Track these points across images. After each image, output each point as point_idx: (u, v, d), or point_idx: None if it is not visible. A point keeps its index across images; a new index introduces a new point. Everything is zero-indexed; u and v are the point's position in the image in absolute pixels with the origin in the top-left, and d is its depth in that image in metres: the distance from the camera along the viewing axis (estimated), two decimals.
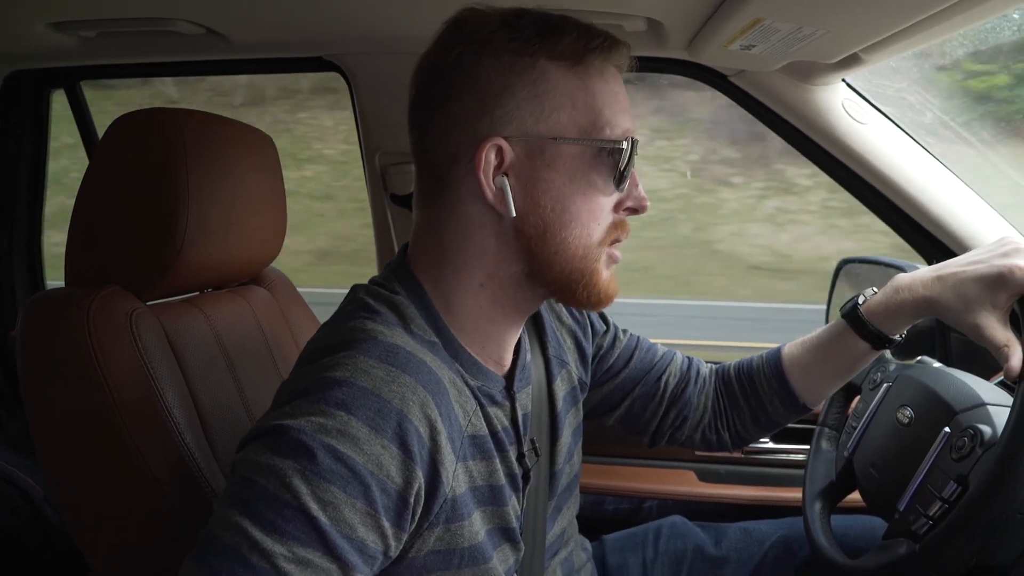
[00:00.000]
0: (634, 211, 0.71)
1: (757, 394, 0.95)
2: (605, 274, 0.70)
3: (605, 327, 0.95)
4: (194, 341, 0.90)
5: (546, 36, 0.65)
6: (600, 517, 1.43)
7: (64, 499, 0.78)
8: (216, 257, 0.94)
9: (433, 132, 0.68)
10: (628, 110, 0.69)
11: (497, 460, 0.69)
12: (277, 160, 1.08)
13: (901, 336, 0.87)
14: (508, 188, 0.65)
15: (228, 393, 0.92)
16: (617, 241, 0.71)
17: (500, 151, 0.65)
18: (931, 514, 0.74)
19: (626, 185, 0.69)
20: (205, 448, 0.81)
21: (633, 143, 0.67)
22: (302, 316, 1.16)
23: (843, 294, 1.35)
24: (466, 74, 0.66)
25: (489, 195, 0.66)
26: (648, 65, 1.38)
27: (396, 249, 1.51)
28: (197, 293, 1.02)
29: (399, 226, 1.51)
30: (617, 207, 0.70)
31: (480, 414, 0.69)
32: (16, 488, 1.25)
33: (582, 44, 0.66)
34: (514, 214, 0.66)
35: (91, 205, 0.86)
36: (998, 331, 0.75)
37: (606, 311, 0.96)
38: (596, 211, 0.68)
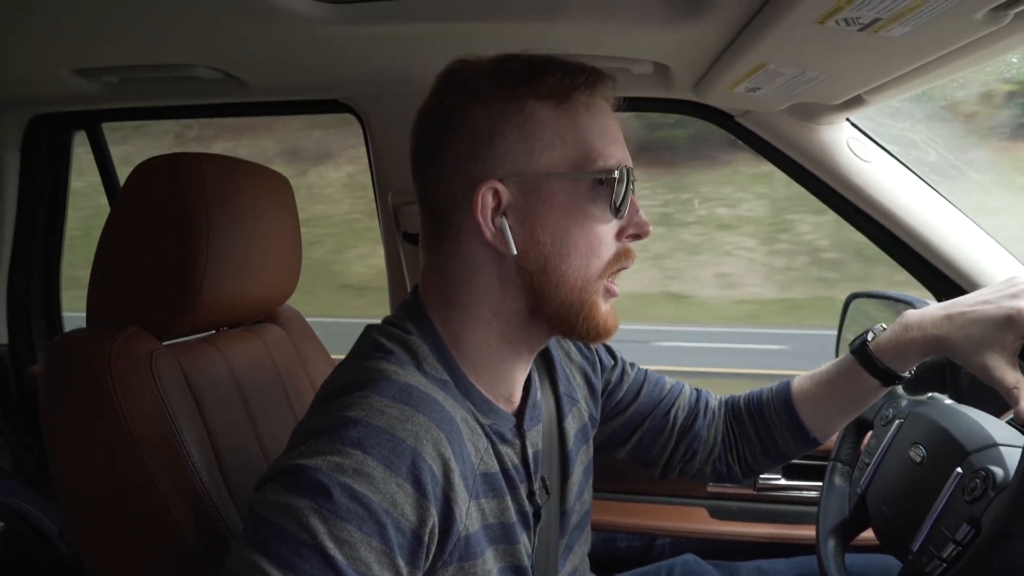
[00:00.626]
0: (637, 237, 0.72)
1: (767, 427, 0.96)
2: (604, 307, 0.71)
3: (613, 362, 0.96)
4: (211, 380, 0.91)
5: (532, 78, 0.67)
6: (612, 554, 1.42)
7: (82, 537, 0.78)
8: (233, 297, 0.96)
9: (432, 179, 0.71)
10: (620, 140, 0.71)
11: (508, 498, 0.70)
12: (293, 200, 1.11)
13: (910, 373, 0.87)
14: (507, 228, 0.67)
15: (243, 432, 0.93)
16: (621, 270, 0.72)
17: (496, 193, 0.67)
18: (945, 556, 0.73)
19: (625, 212, 0.70)
20: (221, 487, 0.82)
21: (627, 172, 0.69)
22: (316, 353, 1.17)
23: (852, 328, 1.35)
24: (458, 122, 0.68)
25: (489, 236, 0.67)
26: (654, 105, 1.41)
27: (408, 285, 1.54)
28: (213, 332, 1.04)
29: (411, 263, 1.53)
30: (619, 235, 0.71)
31: (492, 452, 0.69)
32: (31, 526, 1.26)
33: (567, 82, 0.68)
34: (515, 252, 0.67)
35: (113, 247, 0.88)
36: (1007, 373, 0.75)
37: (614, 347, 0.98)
38: (595, 243, 0.69)
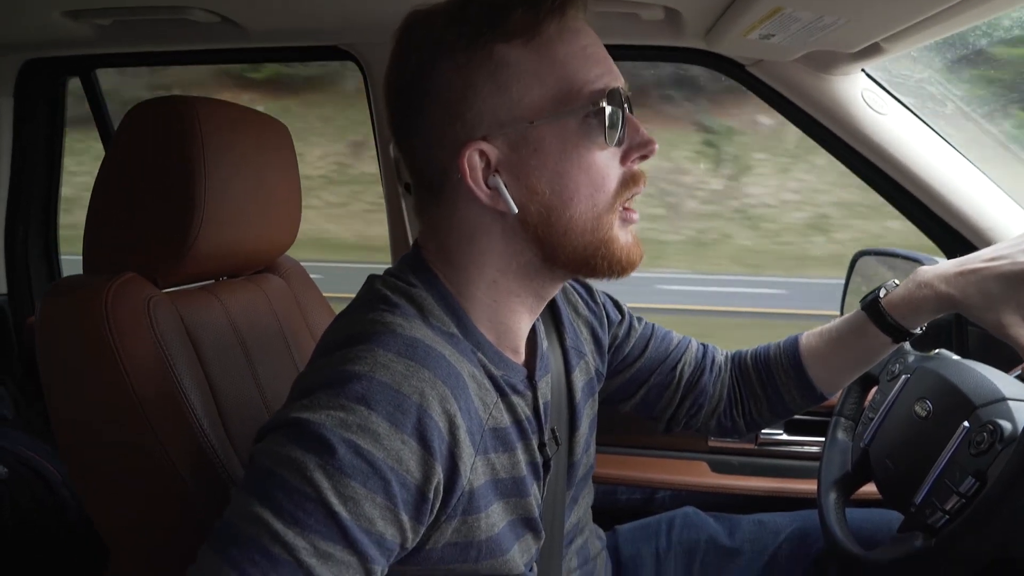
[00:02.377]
0: (644, 157, 0.68)
1: (774, 383, 0.95)
2: (623, 238, 0.67)
3: (620, 316, 0.95)
4: (210, 328, 0.90)
5: (494, 19, 0.62)
6: (613, 506, 1.44)
7: (83, 484, 0.79)
8: (232, 245, 0.94)
9: (415, 148, 0.67)
10: (602, 60, 0.66)
11: (520, 450, 0.69)
12: (292, 149, 1.08)
13: (921, 329, 0.87)
14: (502, 186, 0.64)
15: (244, 380, 0.92)
16: (633, 195, 0.68)
17: (483, 153, 0.63)
18: (948, 508, 0.73)
19: (624, 136, 0.65)
20: (222, 434, 0.82)
21: (615, 93, 0.64)
22: (316, 305, 1.16)
23: (858, 285, 1.34)
24: (427, 84, 0.64)
25: (485, 199, 0.64)
26: (664, 54, 1.37)
27: (410, 237, 1.52)
28: (212, 281, 1.03)
29: (413, 215, 1.51)
30: (624, 159, 0.67)
31: (501, 405, 0.68)
32: (35, 473, 1.27)
33: (532, 15, 0.62)
34: (515, 210, 0.64)
35: (108, 192, 0.86)
36: (1022, 329, 0.75)
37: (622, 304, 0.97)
38: (598, 178, 0.65)
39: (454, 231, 0.68)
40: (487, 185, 0.64)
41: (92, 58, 1.60)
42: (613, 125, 0.64)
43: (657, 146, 0.67)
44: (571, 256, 0.67)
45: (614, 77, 0.65)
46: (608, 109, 0.63)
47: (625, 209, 0.68)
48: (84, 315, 0.78)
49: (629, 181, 0.67)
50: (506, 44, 0.62)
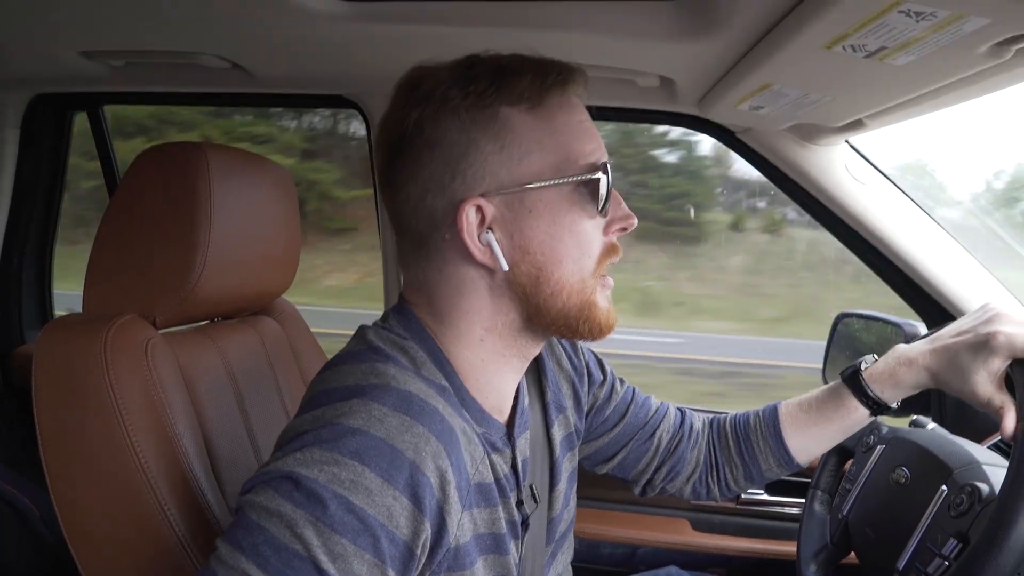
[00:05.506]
0: (623, 230, 0.71)
1: (752, 451, 0.96)
2: (603, 303, 0.70)
3: (602, 377, 0.95)
4: (205, 370, 0.91)
5: (502, 83, 0.64)
6: (595, 561, 1.43)
7: (69, 521, 0.78)
8: (231, 288, 0.96)
9: (407, 199, 0.67)
10: (595, 135, 0.69)
11: (500, 507, 0.69)
12: (294, 193, 1.11)
13: (897, 404, 0.90)
14: (495, 243, 0.65)
15: (235, 424, 0.93)
16: (610, 264, 0.71)
17: (479, 209, 0.65)
18: (931, 572, 0.74)
19: (609, 208, 0.68)
20: (211, 478, 0.82)
21: (606, 167, 0.67)
22: (309, 348, 1.17)
23: (840, 348, 1.37)
24: (429, 136, 0.65)
25: (477, 255, 0.65)
26: (659, 118, 1.42)
27: None
28: (208, 322, 1.04)
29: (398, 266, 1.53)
30: (605, 230, 0.70)
31: (487, 461, 0.69)
32: (12, 508, 1.25)
33: (538, 83, 0.65)
34: (506, 267, 0.66)
35: (113, 233, 0.88)
36: (994, 395, 0.79)
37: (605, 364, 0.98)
38: (585, 243, 0.68)
39: (443, 286, 0.69)
40: (479, 242, 0.65)
41: (101, 95, 1.63)
42: (603, 196, 0.67)
43: (636, 221, 0.71)
44: (555, 317, 0.68)
45: (604, 152, 0.69)
46: (602, 181, 0.66)
47: (603, 276, 0.71)
48: (83, 354, 0.78)
49: (609, 251, 0.70)
50: (511, 108, 0.65)
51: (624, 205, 0.71)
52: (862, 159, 1.33)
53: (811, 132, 1.28)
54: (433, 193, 0.66)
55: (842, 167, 1.32)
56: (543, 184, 0.65)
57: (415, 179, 0.66)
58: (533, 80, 0.65)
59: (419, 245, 0.69)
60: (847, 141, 1.32)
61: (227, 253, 0.90)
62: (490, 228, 0.65)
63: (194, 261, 0.86)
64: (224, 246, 0.89)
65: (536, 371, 0.86)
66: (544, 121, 0.66)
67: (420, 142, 0.66)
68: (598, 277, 0.69)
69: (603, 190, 0.66)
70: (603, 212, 0.68)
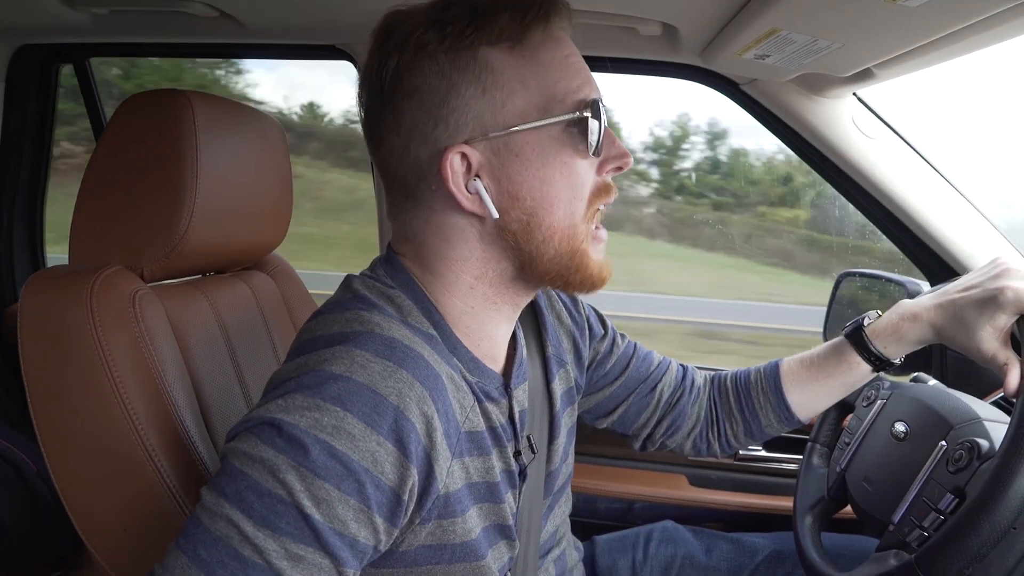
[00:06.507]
0: (619, 168, 0.68)
1: (752, 407, 0.96)
2: (595, 255, 0.68)
3: (603, 331, 0.95)
4: (196, 323, 0.90)
5: (480, 22, 0.62)
6: (592, 516, 1.44)
7: (61, 475, 0.77)
8: (221, 240, 0.94)
9: (391, 149, 0.66)
10: (584, 70, 0.66)
11: (494, 456, 0.69)
12: (286, 146, 1.08)
13: (900, 360, 0.89)
14: (483, 190, 0.63)
15: (227, 377, 0.92)
16: (604, 206, 0.69)
17: (464, 156, 0.63)
18: (926, 526, 0.74)
19: (602, 147, 0.65)
20: (203, 430, 0.81)
21: (596, 104, 0.64)
22: (302, 303, 1.16)
23: (842, 306, 1.35)
24: (408, 84, 0.63)
25: (465, 203, 0.64)
26: (660, 70, 1.38)
27: None
28: (199, 276, 1.02)
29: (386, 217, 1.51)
30: (599, 170, 0.67)
31: (478, 409, 0.68)
32: (9, 463, 1.25)
33: (519, 19, 0.62)
34: (496, 215, 0.64)
35: (97, 184, 0.86)
36: (999, 351, 0.78)
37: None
38: (576, 186, 0.65)
39: (431, 235, 0.67)
40: (467, 189, 0.64)
41: (87, 47, 1.59)
42: (595, 135, 0.64)
43: (632, 159, 0.68)
44: (548, 265, 0.67)
45: (594, 88, 0.66)
46: (591, 119, 0.64)
47: (596, 228, 0.69)
48: (68, 305, 0.77)
49: (602, 191, 0.68)
50: (491, 48, 0.62)
51: (619, 142, 0.68)
52: (870, 112, 1.30)
53: (818, 83, 1.24)
54: (416, 143, 0.64)
55: (849, 120, 1.28)
56: (529, 126, 0.63)
57: (397, 130, 0.65)
58: (512, 16, 0.62)
59: (407, 195, 0.67)
60: (855, 94, 1.28)
61: (215, 204, 0.88)
62: (477, 175, 0.63)
63: (181, 212, 0.84)
64: (212, 197, 0.87)
65: (536, 325, 0.85)
66: (527, 60, 0.63)
67: (399, 91, 0.64)
68: (589, 221, 0.67)
69: (594, 128, 0.64)
70: (596, 152, 0.65)
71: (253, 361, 0.97)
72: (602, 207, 0.69)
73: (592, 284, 0.69)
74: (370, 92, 0.67)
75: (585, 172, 0.66)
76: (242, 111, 0.99)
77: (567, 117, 0.63)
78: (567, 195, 0.65)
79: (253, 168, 0.98)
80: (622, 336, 0.97)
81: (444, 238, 0.67)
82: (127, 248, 0.85)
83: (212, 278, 1.03)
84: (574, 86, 0.64)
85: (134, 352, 0.77)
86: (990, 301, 0.78)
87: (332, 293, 0.71)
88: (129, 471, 0.74)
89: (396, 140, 0.65)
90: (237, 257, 1.06)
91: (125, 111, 0.87)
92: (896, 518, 0.80)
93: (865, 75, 1.13)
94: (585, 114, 0.63)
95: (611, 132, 0.67)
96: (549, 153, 0.64)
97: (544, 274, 0.68)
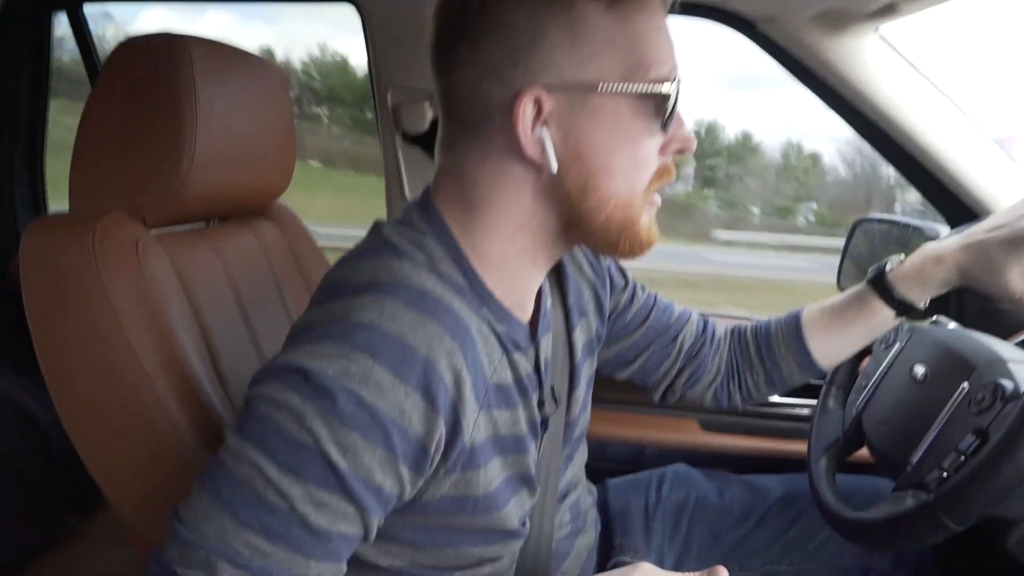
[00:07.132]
0: (680, 152, 0.67)
1: (773, 356, 0.95)
2: (646, 221, 0.67)
3: (624, 282, 0.93)
4: (202, 270, 0.89)
5: None
6: (603, 461, 1.44)
7: (71, 424, 0.77)
8: (223, 185, 0.92)
9: (461, 80, 0.63)
10: (672, 46, 0.64)
11: (520, 407, 0.68)
12: (288, 94, 1.05)
13: (924, 304, 0.87)
14: (548, 140, 0.61)
15: (236, 323, 0.91)
16: (662, 186, 0.68)
17: (538, 101, 0.60)
18: (945, 466, 0.73)
19: (671, 126, 0.64)
20: (213, 377, 0.81)
21: (677, 83, 0.63)
22: (310, 253, 1.14)
23: (858, 252, 1.33)
24: (495, 18, 0.60)
25: (528, 150, 0.61)
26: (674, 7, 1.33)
27: (407, 191, 1.49)
28: (204, 224, 1.00)
29: (411, 168, 1.48)
30: (663, 150, 0.66)
31: (506, 361, 0.67)
32: (21, 411, 1.25)
33: None
34: (555, 168, 0.62)
35: (95, 129, 0.83)
36: None
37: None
38: (641, 159, 0.64)
39: (483, 175, 0.65)
40: (532, 135, 0.61)
41: None
42: (668, 112, 0.62)
43: (695, 144, 0.67)
44: (596, 229, 0.65)
45: (676, 67, 0.64)
46: (671, 95, 0.62)
47: (653, 194, 0.67)
48: (70, 253, 0.75)
49: (664, 172, 0.66)
50: (588, 1, 0.60)
51: (686, 126, 0.66)
52: (892, 50, 1.25)
53: (839, 20, 1.19)
54: (490, 79, 0.61)
55: (871, 59, 1.23)
56: (609, 88, 0.60)
57: (473, 62, 0.61)
58: None
59: (465, 129, 0.65)
60: (877, 31, 1.23)
61: (216, 147, 0.86)
62: (544, 124, 0.61)
63: (181, 156, 0.81)
64: (212, 140, 0.84)
65: (557, 276, 0.83)
66: (621, 21, 0.60)
67: (484, 23, 0.60)
68: (649, 194, 0.66)
69: (670, 105, 0.62)
70: (665, 129, 0.63)
71: (262, 308, 0.96)
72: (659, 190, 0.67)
73: (640, 248, 0.67)
74: (449, 15, 0.63)
75: (650, 148, 0.64)
76: (242, 57, 0.96)
77: (648, 88, 0.61)
78: (630, 167, 0.63)
79: (254, 113, 0.95)
80: (642, 287, 0.96)
81: (496, 182, 0.65)
82: (128, 192, 0.83)
83: (218, 227, 1.01)
84: (660, 59, 0.62)
85: (140, 298, 0.76)
86: (1019, 240, 0.77)
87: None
88: (140, 416, 0.74)
89: (468, 72, 0.62)
90: (241, 203, 1.03)
91: (120, 56, 0.84)
92: (914, 459, 0.79)
93: (889, 10, 1.09)
94: (666, 89, 0.62)
95: (680, 114, 0.65)
96: (623, 120, 0.62)
97: (589, 235, 0.66)
